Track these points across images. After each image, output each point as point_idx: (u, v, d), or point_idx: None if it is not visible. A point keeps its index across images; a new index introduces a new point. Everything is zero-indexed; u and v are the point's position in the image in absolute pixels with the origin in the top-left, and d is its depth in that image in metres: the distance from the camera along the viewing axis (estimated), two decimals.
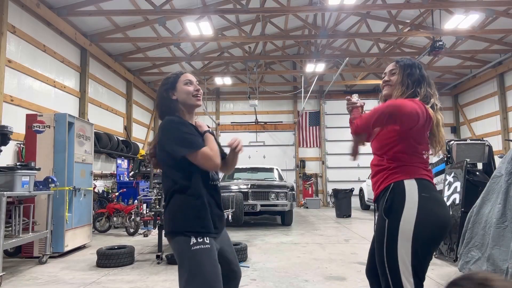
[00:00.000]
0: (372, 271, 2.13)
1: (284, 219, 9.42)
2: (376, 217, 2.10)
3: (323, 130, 16.91)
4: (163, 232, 2.08)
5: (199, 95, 2.12)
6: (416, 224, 1.87)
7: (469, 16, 9.20)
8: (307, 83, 14.30)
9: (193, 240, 1.89)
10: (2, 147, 4.92)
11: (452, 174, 5.53)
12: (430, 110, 2.05)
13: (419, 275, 1.92)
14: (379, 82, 15.38)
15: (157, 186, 8.80)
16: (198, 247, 1.88)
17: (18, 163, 5.18)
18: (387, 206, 1.97)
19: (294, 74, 16.23)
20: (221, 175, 1.97)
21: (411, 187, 1.94)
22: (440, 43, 10.05)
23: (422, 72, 2.16)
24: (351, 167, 16.20)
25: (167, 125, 2.00)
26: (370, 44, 13.22)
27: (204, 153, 1.93)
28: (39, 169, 5.27)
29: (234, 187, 8.82)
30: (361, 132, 2.12)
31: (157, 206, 5.91)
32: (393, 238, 1.90)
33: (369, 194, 13.08)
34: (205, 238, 1.92)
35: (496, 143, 12.39)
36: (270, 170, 11.26)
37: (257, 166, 11.71)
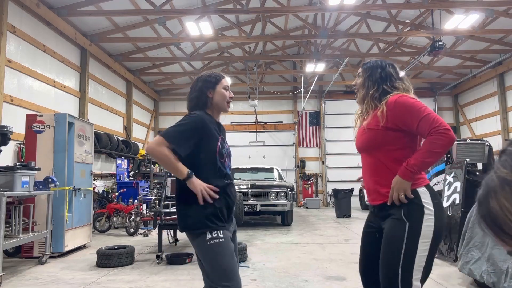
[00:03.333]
0: (370, 271, 2.14)
1: (284, 219, 9.41)
2: (384, 221, 2.07)
3: (323, 130, 16.91)
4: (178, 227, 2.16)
5: (230, 103, 2.28)
6: (435, 228, 1.96)
7: (469, 16, 9.20)
8: (307, 83, 14.30)
9: (209, 235, 2.03)
10: (2, 147, 4.92)
11: (452, 174, 5.53)
12: None
13: (426, 277, 1.98)
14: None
15: (157, 186, 8.82)
16: (213, 241, 2.02)
17: (18, 163, 5.17)
18: (406, 211, 1.99)
19: (294, 74, 16.23)
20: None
21: (425, 195, 1.99)
22: (440, 43, 10.05)
23: (386, 70, 2.15)
24: (351, 167, 16.21)
25: (185, 118, 2.13)
26: (370, 44, 13.22)
27: (160, 143, 2.01)
28: (39, 169, 5.27)
29: None
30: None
31: (157, 206, 5.91)
32: (415, 240, 1.95)
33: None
34: (219, 232, 2.05)
35: (496, 143, 12.38)
36: (270, 170, 11.26)
37: (257, 166, 11.71)
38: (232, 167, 2.36)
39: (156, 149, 2.01)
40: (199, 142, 2.09)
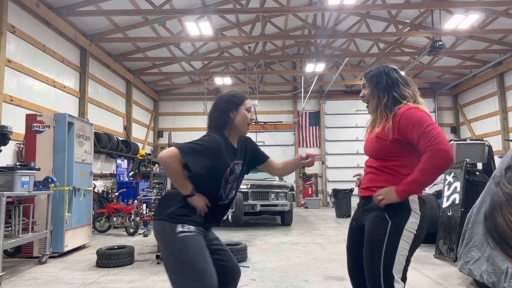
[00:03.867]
0: (358, 272, 2.19)
1: (284, 219, 9.41)
2: (366, 218, 2.12)
3: (323, 130, 16.91)
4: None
5: (250, 124, 2.28)
6: (416, 233, 2.00)
7: (469, 16, 9.20)
8: (307, 83, 14.31)
9: (179, 228, 2.05)
10: (2, 147, 4.92)
11: (452, 174, 5.53)
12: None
13: (405, 275, 2.04)
14: None
15: (157, 186, 8.81)
16: (183, 235, 2.04)
17: (18, 163, 5.17)
18: (392, 211, 2.01)
19: (294, 74, 16.23)
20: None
21: (413, 202, 2.02)
22: (440, 43, 10.05)
23: (391, 76, 2.13)
24: (351, 167, 16.19)
25: (203, 138, 2.12)
26: (370, 44, 13.22)
27: (174, 157, 2.01)
28: (38, 169, 5.27)
29: None
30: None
31: None
32: (396, 239, 1.98)
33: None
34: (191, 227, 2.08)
35: (496, 143, 12.38)
36: None
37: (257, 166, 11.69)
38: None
39: (169, 162, 2.01)
40: (211, 164, 2.11)
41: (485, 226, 0.74)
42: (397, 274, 1.97)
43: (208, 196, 2.15)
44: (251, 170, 2.44)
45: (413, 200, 2.02)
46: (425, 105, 2.15)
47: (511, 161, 0.82)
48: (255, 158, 2.41)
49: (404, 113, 2.00)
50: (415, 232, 1.98)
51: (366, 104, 2.25)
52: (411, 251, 2.01)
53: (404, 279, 2.01)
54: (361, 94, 2.25)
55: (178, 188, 2.12)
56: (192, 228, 2.06)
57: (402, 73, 2.22)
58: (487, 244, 0.76)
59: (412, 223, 1.98)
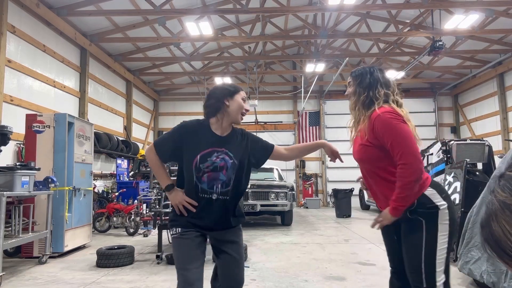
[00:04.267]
0: (401, 264, 2.17)
1: (284, 219, 9.41)
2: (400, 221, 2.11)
3: (323, 130, 16.90)
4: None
5: (244, 115, 2.28)
6: (450, 221, 2.03)
7: (469, 16, 9.19)
8: (307, 83, 14.30)
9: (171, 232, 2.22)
10: (2, 147, 4.92)
11: (452, 174, 5.53)
12: (401, 112, 2.09)
13: (448, 270, 2.07)
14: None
15: (157, 186, 8.81)
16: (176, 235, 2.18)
17: (18, 163, 5.17)
18: (421, 211, 2.03)
19: (294, 74, 16.23)
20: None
21: (433, 195, 2.04)
22: (440, 43, 10.04)
23: (374, 75, 2.18)
24: (351, 167, 16.14)
25: (175, 127, 2.25)
26: (370, 44, 13.21)
27: (152, 151, 2.20)
28: (39, 169, 5.27)
29: None
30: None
31: (157, 206, 5.91)
32: (434, 236, 2.02)
33: (369, 194, 13.05)
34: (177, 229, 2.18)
35: (496, 143, 12.38)
36: (270, 170, 11.25)
37: None
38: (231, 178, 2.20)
39: (147, 155, 2.22)
40: (180, 152, 2.16)
41: (482, 235, 0.74)
42: (439, 267, 2.02)
43: (187, 189, 2.16)
44: (262, 163, 2.37)
45: (433, 194, 2.02)
46: (404, 107, 2.17)
47: (504, 170, 0.83)
48: (262, 151, 2.35)
49: (377, 117, 2.04)
50: (448, 223, 2.02)
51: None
52: (450, 240, 2.04)
53: (447, 271, 2.05)
54: (346, 92, 2.32)
55: (158, 181, 2.25)
56: (179, 230, 2.16)
57: (388, 75, 2.25)
58: (485, 253, 0.76)
59: (444, 215, 2.01)
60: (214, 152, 2.14)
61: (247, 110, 2.26)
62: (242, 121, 2.27)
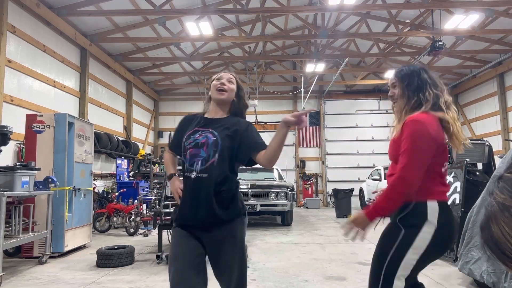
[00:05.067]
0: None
1: (284, 219, 9.41)
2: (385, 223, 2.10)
3: (323, 130, 16.90)
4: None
5: (220, 88, 2.20)
6: (430, 244, 1.91)
7: (469, 16, 9.20)
8: (307, 83, 14.31)
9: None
10: (2, 147, 4.92)
11: (452, 174, 5.53)
12: (445, 117, 2.00)
13: (413, 277, 2.00)
14: (379, 82, 15.48)
15: (157, 186, 8.82)
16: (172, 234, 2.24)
17: (18, 163, 5.17)
18: (407, 219, 1.97)
19: (294, 74, 16.23)
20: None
21: (433, 210, 1.94)
22: (440, 43, 10.04)
23: (422, 76, 2.08)
24: (351, 167, 16.22)
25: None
26: (370, 44, 13.21)
27: (166, 152, 2.45)
28: (39, 169, 5.27)
29: None
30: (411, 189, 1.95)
31: (157, 206, 5.91)
32: (404, 249, 1.93)
33: (369, 194, 13.07)
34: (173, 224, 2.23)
35: (496, 143, 12.38)
36: (270, 170, 11.25)
37: (257, 166, 11.67)
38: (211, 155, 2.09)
39: (164, 156, 2.46)
40: (178, 138, 2.28)
41: (482, 237, 0.75)
42: (399, 279, 1.93)
43: (183, 169, 2.20)
44: (246, 158, 2.17)
45: (433, 208, 1.92)
46: (451, 105, 2.09)
47: (503, 171, 0.83)
48: (249, 145, 2.16)
49: (408, 122, 1.96)
50: (427, 245, 1.90)
51: (392, 104, 2.20)
52: (421, 263, 1.93)
53: (410, 279, 1.95)
54: (390, 93, 2.18)
55: (166, 170, 2.42)
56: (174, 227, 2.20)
57: (433, 74, 2.16)
58: (485, 254, 0.77)
59: (425, 234, 1.90)
60: (198, 131, 2.15)
61: (222, 84, 2.21)
62: (221, 96, 2.18)
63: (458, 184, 5.30)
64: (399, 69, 2.19)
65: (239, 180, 2.44)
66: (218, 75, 2.30)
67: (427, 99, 2.03)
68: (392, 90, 2.18)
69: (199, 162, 2.06)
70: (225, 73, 2.29)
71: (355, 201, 12.65)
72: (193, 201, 2.05)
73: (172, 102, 17.09)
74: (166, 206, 5.49)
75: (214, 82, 2.26)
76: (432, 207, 1.93)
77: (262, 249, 6.21)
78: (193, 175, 2.05)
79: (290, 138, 17.02)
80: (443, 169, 2.04)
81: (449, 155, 6.53)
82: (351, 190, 11.64)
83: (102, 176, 11.03)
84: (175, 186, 2.21)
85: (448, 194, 5.47)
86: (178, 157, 2.36)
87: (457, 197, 5.23)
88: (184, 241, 2.07)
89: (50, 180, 5.45)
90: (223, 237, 2.06)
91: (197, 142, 2.10)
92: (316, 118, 17.02)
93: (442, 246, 1.97)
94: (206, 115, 2.27)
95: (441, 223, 1.92)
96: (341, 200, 11.47)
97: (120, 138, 11.85)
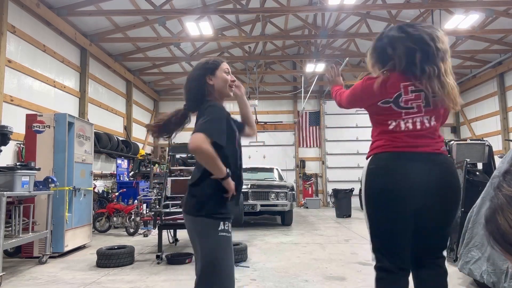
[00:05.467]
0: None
1: (284, 219, 9.41)
2: None
3: (323, 130, 16.91)
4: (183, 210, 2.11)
5: (234, 86, 2.15)
6: (364, 194, 2.07)
7: (469, 16, 9.19)
8: (307, 83, 14.30)
9: (221, 226, 1.99)
10: (2, 147, 4.92)
11: None
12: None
13: (379, 251, 2.03)
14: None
15: (157, 186, 8.82)
16: (224, 234, 1.98)
17: (18, 163, 5.17)
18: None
19: (294, 74, 16.23)
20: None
21: (367, 161, 2.12)
22: None
23: (378, 42, 2.27)
24: (351, 167, 16.22)
25: (210, 110, 2.01)
26: (370, 44, 13.20)
27: (206, 141, 1.90)
28: (39, 169, 5.27)
29: None
30: (344, 107, 2.41)
31: (157, 206, 5.91)
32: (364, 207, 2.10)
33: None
34: (225, 224, 2.01)
35: (496, 143, 12.38)
36: (270, 170, 11.26)
37: (257, 166, 11.71)
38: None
39: (204, 148, 1.86)
40: (229, 133, 2.05)
41: (487, 229, 0.75)
42: (372, 244, 2.05)
43: (232, 168, 2.05)
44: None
45: (368, 160, 2.10)
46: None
47: (509, 166, 0.85)
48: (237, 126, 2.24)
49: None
50: (364, 198, 2.06)
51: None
52: (371, 217, 2.04)
53: (380, 253, 2.01)
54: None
55: (215, 172, 1.95)
56: (228, 225, 2.02)
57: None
58: (490, 247, 0.77)
59: (362, 190, 2.09)
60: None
61: (233, 81, 2.15)
62: (232, 94, 2.17)
63: None
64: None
65: None
66: (224, 66, 2.14)
67: (391, 60, 2.22)
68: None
69: (241, 159, 2.19)
70: (227, 65, 2.19)
71: (355, 201, 12.62)
72: (237, 197, 2.14)
73: (172, 102, 17.07)
74: (166, 206, 5.49)
75: (224, 75, 2.11)
76: (368, 160, 2.12)
77: (262, 249, 6.21)
78: (239, 172, 2.15)
79: (290, 138, 17.03)
80: (388, 121, 2.09)
81: (448, 155, 6.54)
82: (351, 190, 11.64)
83: (102, 176, 11.03)
84: (233, 186, 2.02)
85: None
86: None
87: None
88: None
89: (50, 180, 5.45)
90: None
91: (240, 141, 2.18)
92: (316, 118, 17.03)
93: (372, 192, 2.02)
94: None
95: (368, 170, 2.06)
96: (341, 200, 11.47)
97: (120, 138, 11.85)
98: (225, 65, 2.16)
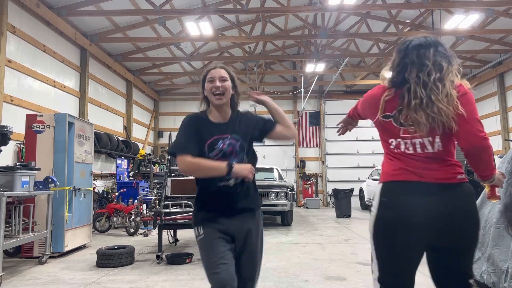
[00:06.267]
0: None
1: (284, 219, 9.41)
2: None
3: (323, 130, 16.91)
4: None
5: (217, 93, 2.10)
6: (373, 227, 1.89)
7: (469, 16, 9.19)
8: (307, 83, 14.30)
9: (196, 231, 2.12)
10: (2, 147, 4.92)
11: None
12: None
13: (383, 282, 1.89)
14: (379, 82, 15.42)
15: (157, 186, 8.81)
16: (199, 238, 2.09)
17: (18, 163, 5.17)
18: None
19: (294, 74, 16.23)
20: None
21: (377, 191, 1.93)
22: None
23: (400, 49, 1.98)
24: (351, 167, 16.22)
25: (181, 122, 2.16)
26: (370, 44, 13.21)
27: (181, 158, 2.02)
28: (39, 169, 5.27)
29: None
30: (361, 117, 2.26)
31: (157, 206, 5.90)
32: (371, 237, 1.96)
33: (369, 194, 13.07)
34: (199, 228, 2.10)
35: (496, 143, 12.38)
36: (270, 170, 11.26)
37: (257, 166, 11.67)
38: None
39: (182, 168, 2.05)
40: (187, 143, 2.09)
41: (506, 217, 0.75)
42: (374, 273, 1.90)
43: (204, 181, 2.12)
44: (265, 134, 2.33)
45: (378, 189, 1.89)
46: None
47: None
48: (263, 128, 2.31)
49: (468, 90, 2.12)
50: (372, 226, 1.88)
51: None
52: (378, 253, 1.87)
53: (382, 282, 1.88)
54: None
55: (215, 175, 2.01)
56: (201, 229, 2.08)
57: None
58: (508, 234, 0.77)
59: (370, 221, 1.90)
60: (219, 140, 2.10)
61: (217, 88, 2.10)
62: (220, 101, 2.12)
63: None
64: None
65: None
66: (209, 74, 2.14)
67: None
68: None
69: None
70: (216, 70, 2.15)
71: (355, 201, 12.65)
72: (234, 207, 2.13)
73: (172, 102, 17.09)
74: (166, 206, 5.49)
75: (207, 84, 2.13)
76: (378, 188, 1.92)
77: None
78: (232, 182, 2.08)
79: None
80: (390, 140, 1.93)
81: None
82: (351, 190, 11.64)
83: (102, 176, 11.03)
84: (247, 167, 2.06)
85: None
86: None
87: None
88: (217, 249, 2.16)
89: (50, 180, 5.45)
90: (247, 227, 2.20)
91: (224, 152, 2.10)
92: (316, 118, 17.03)
93: (386, 228, 1.82)
94: (211, 119, 2.16)
95: (380, 204, 1.86)
96: (341, 200, 11.47)
97: (120, 138, 11.85)
98: (210, 73, 2.15)
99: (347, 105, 16.88)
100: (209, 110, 2.19)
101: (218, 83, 2.10)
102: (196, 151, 2.04)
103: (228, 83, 2.15)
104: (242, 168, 2.02)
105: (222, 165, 1.98)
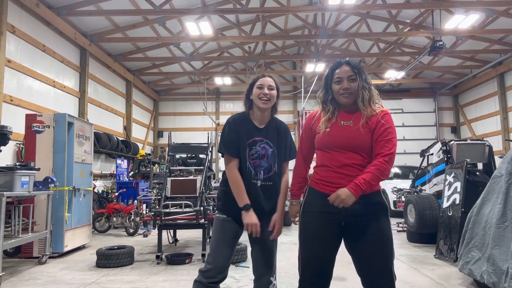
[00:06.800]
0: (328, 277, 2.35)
1: (284, 219, 9.36)
2: (363, 214, 2.15)
3: None
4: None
5: (264, 99, 2.38)
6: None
7: (469, 16, 9.19)
8: (307, 83, 14.29)
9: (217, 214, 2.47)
10: (2, 147, 4.91)
11: (452, 174, 5.53)
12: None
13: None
14: (379, 82, 15.44)
15: (157, 186, 8.80)
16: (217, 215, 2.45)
17: (17, 163, 5.17)
18: (386, 208, 2.22)
19: (294, 74, 16.22)
20: (263, 174, 2.21)
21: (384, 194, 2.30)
22: (440, 43, 10.04)
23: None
24: None
25: (225, 123, 2.44)
26: (370, 44, 13.21)
27: (228, 159, 2.35)
28: (38, 169, 5.26)
29: None
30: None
31: (157, 206, 5.90)
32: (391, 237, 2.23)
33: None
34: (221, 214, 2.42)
35: (496, 143, 12.37)
36: None
37: None
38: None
39: (229, 172, 2.35)
40: (234, 141, 2.37)
41: None
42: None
43: (242, 174, 2.33)
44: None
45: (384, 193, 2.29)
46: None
47: None
48: (284, 153, 2.50)
49: (387, 114, 2.15)
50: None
51: (341, 94, 2.26)
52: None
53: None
54: (346, 86, 2.23)
55: (237, 198, 2.31)
56: (222, 215, 2.41)
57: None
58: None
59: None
60: (257, 142, 2.37)
61: (265, 94, 2.37)
62: (266, 105, 2.40)
63: (458, 184, 5.30)
64: (354, 63, 2.39)
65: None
66: (258, 81, 2.41)
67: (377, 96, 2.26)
68: (349, 83, 2.26)
69: (262, 171, 2.38)
70: (265, 79, 2.43)
71: None
72: (259, 206, 2.36)
73: (172, 102, 17.08)
74: (166, 206, 5.49)
75: (256, 90, 2.38)
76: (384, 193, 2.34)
77: None
78: (259, 183, 2.36)
79: None
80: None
81: (449, 155, 6.55)
82: None
83: (102, 176, 11.03)
84: (255, 220, 2.30)
85: (448, 194, 5.47)
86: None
87: (457, 197, 5.23)
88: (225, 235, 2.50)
89: (49, 180, 5.44)
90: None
91: (258, 153, 2.36)
92: None
93: None
94: (254, 121, 2.41)
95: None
96: None
97: (120, 138, 11.85)
98: (261, 81, 2.43)
99: None
100: (251, 112, 2.45)
101: (266, 91, 2.40)
102: (236, 153, 2.36)
103: (274, 92, 2.47)
104: (251, 218, 2.30)
105: (245, 201, 2.30)
